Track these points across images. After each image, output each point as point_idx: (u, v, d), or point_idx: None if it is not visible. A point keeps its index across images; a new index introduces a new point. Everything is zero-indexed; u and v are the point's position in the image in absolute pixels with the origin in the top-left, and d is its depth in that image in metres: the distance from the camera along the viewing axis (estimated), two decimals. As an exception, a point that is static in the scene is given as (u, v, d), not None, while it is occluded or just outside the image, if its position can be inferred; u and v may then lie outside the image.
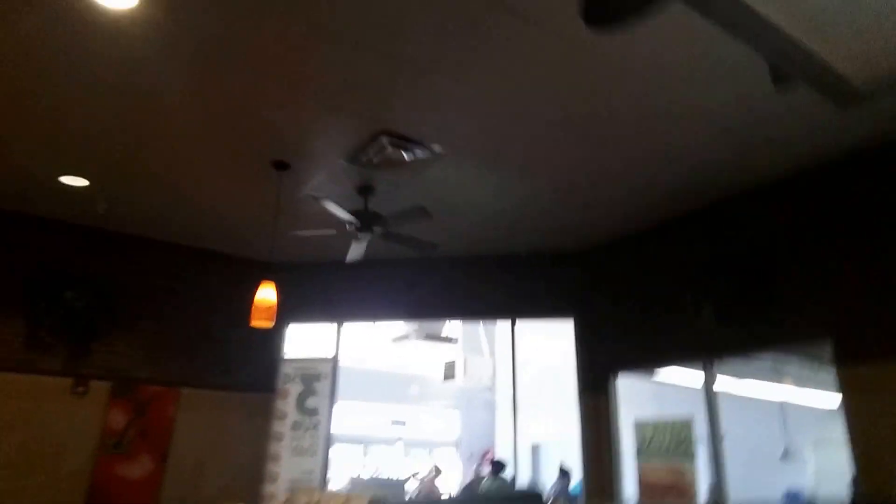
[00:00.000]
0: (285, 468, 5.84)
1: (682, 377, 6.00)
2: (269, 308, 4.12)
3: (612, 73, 3.42)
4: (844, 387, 4.06)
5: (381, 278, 6.46)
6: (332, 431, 6.13)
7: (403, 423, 14.44)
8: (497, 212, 5.33)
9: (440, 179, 4.71)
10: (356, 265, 6.47)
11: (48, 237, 5.54)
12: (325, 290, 6.54)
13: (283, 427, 6.07)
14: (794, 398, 9.86)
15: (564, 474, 8.41)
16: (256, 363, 6.24)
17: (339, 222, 4.71)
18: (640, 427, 5.67)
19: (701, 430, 5.12)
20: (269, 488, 5.78)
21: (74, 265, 5.55)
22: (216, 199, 5.13)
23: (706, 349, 5.06)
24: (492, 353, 12.37)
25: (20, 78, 3.50)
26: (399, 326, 11.45)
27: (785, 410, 9.84)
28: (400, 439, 14.48)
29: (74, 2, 2.89)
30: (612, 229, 5.77)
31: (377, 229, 4.69)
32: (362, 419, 13.70)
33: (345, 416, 13.66)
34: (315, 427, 6.03)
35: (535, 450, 12.11)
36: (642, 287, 5.70)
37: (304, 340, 6.64)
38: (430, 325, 10.59)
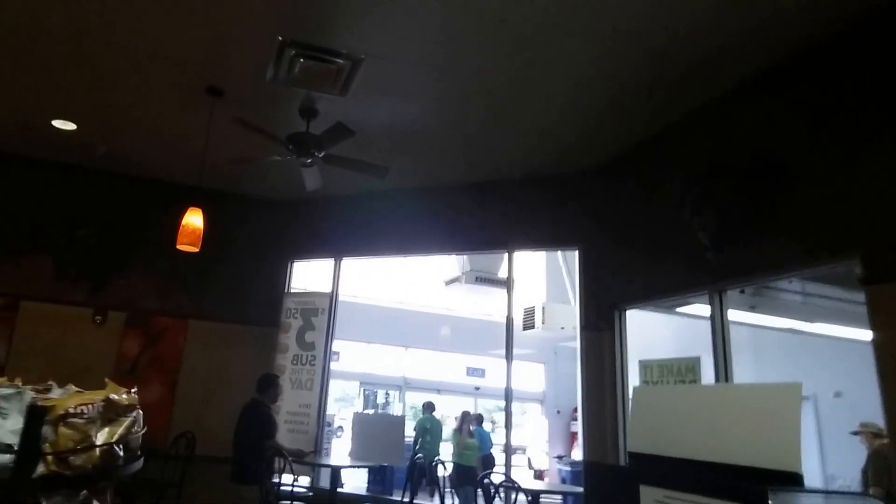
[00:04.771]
0: (285, 401, 5.98)
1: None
2: (194, 231, 4.14)
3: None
4: (875, 310, 3.18)
5: (377, 212, 6.28)
6: (331, 367, 6.17)
7: (482, 373, 14.24)
8: (466, 133, 4.88)
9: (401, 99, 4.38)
10: (352, 200, 6.35)
11: (55, 181, 6.05)
12: (323, 225, 6.51)
13: (284, 360, 6.21)
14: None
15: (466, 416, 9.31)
16: (260, 297, 6.42)
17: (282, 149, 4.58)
18: (645, 367, 5.01)
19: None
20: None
21: (80, 205, 6.04)
22: (179, 130, 5.24)
23: (709, 276, 4.25)
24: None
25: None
26: (449, 268, 11.09)
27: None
28: (478, 388, 14.30)
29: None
30: (610, 145, 5.03)
31: (316, 153, 4.50)
32: (433, 365, 13.72)
33: (415, 362, 13.83)
34: (312, 362, 6.08)
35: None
36: (646, 209, 4.93)
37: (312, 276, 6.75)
38: (481, 266, 10.09)
